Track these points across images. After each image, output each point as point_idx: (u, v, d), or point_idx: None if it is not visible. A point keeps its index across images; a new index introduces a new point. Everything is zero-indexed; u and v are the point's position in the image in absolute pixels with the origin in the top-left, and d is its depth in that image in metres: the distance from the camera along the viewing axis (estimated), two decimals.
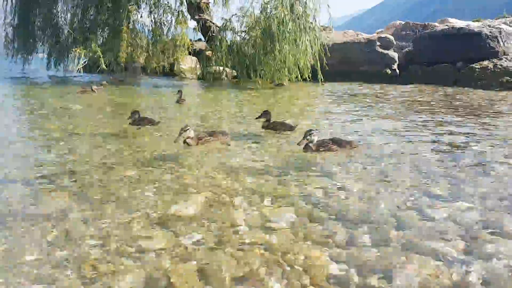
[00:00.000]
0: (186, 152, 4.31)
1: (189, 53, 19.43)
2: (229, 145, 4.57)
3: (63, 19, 19.69)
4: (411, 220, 2.75)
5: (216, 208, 2.91)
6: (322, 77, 13.77)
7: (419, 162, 4.14)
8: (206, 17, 18.35)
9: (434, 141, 5.13)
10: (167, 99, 10.26)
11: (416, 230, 2.60)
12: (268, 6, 13.60)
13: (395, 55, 16.09)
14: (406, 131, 5.80)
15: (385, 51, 16.00)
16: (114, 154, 4.36)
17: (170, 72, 20.12)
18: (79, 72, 15.54)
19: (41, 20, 19.32)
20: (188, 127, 4.22)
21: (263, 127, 5.85)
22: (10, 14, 19.82)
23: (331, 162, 4.11)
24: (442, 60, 14.03)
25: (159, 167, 3.84)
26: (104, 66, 15.18)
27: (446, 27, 14.87)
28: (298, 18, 13.33)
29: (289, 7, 13.09)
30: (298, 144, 4.34)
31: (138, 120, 6.10)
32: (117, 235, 2.44)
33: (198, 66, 21.07)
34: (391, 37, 16.49)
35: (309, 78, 13.89)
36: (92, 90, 10.61)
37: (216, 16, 19.20)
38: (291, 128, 5.74)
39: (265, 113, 5.93)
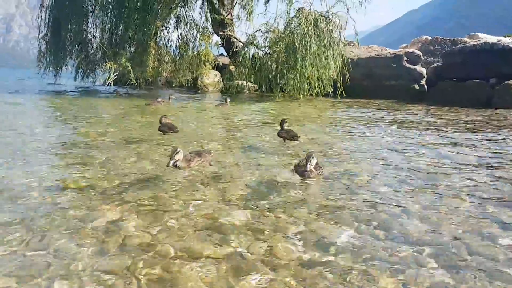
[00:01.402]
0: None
1: (212, 68, 19.65)
2: (212, 165, 4.34)
3: (92, 34, 20.40)
4: (479, 244, 2.52)
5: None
6: (343, 92, 13.52)
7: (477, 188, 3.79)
8: (230, 32, 18.55)
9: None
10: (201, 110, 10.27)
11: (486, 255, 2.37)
12: (292, 21, 13.57)
13: (423, 70, 15.59)
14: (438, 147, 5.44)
15: (413, 66, 15.53)
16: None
17: (193, 86, 20.39)
18: (110, 85, 15.90)
19: (72, 35, 20.04)
20: (179, 149, 3.97)
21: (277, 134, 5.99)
22: (44, 29, 20.73)
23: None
24: (474, 76, 13.44)
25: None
26: (134, 81, 15.51)
27: (478, 42, 14.30)
28: (321, 33, 13.18)
29: (313, 23, 12.98)
30: (304, 171, 3.96)
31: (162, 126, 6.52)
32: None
33: (220, 80, 21.28)
34: (419, 52, 16.02)
35: (331, 93, 13.66)
36: (158, 102, 11.56)
37: (240, 31, 19.45)
38: (293, 137, 5.73)
39: (281, 121, 6.02)
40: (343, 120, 8.73)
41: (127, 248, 2.38)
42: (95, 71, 20.69)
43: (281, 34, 14.33)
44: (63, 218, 2.82)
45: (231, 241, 2.53)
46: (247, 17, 14.52)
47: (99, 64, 20.31)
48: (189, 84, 20.14)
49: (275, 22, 14.38)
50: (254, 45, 15.02)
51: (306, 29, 12.73)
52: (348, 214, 3.00)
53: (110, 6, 18.92)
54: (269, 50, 14.73)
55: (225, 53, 21.15)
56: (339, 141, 6.16)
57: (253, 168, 4.35)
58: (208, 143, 5.83)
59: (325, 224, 2.79)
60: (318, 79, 13.30)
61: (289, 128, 5.98)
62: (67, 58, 20.77)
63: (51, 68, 20.96)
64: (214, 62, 19.61)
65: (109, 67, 15.67)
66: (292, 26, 13.54)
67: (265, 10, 14.34)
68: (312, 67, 12.87)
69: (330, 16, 13.65)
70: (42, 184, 3.63)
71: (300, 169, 3.97)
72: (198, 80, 20.31)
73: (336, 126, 7.78)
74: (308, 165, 3.88)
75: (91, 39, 20.32)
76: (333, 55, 13.35)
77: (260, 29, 15.12)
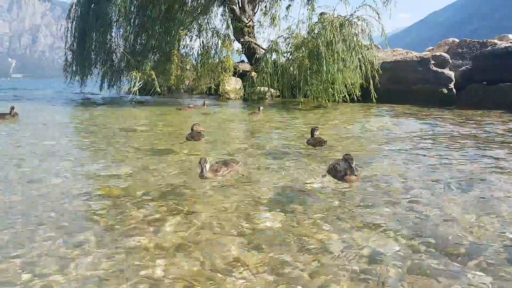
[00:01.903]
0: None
1: (233, 75, 19.67)
2: (242, 174, 4.22)
3: (116, 44, 20.74)
4: None
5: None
6: (375, 96, 13.27)
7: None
8: (251, 39, 18.54)
9: None
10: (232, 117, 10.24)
11: None
12: (316, 26, 13.40)
13: (451, 73, 15.13)
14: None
15: (440, 70, 15.09)
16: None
17: (214, 93, 20.43)
18: (135, 94, 16.11)
19: (96, 45, 20.41)
20: (206, 159, 4.02)
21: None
22: (70, 39, 21.22)
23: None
24: (506, 79, 12.97)
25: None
26: (158, 89, 15.68)
27: (510, 44, 13.78)
28: (347, 38, 12.96)
29: (338, 27, 12.78)
30: (354, 175, 3.84)
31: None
32: None
33: (241, 87, 21.29)
34: (447, 55, 15.57)
35: (357, 98, 13.40)
36: (189, 107, 12.03)
37: (261, 37, 19.45)
38: (320, 143, 5.73)
39: (312, 129, 6.02)
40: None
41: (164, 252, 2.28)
42: (120, 80, 21.03)
43: (304, 39, 14.18)
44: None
45: (271, 248, 2.43)
46: (270, 23, 14.38)
47: (123, 73, 20.67)
48: (211, 91, 20.22)
49: (297, 27, 14.26)
50: (276, 51, 14.90)
51: (331, 33, 12.55)
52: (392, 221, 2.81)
53: (133, 16, 19.23)
54: (291, 56, 14.59)
55: (246, 60, 21.17)
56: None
57: (284, 174, 4.24)
58: (238, 150, 5.73)
59: (368, 232, 2.62)
60: (343, 85, 13.06)
61: (319, 136, 5.85)
62: (92, 68, 21.17)
63: (77, 78, 21.38)
64: (235, 69, 19.65)
65: (134, 76, 15.88)
66: (316, 31, 13.36)
67: (287, 15, 14.23)
68: (338, 72, 12.64)
69: (355, 20, 13.43)
70: (74, 192, 3.60)
71: (339, 174, 3.82)
72: (220, 87, 20.36)
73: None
74: (354, 169, 3.74)
75: (115, 48, 20.67)
76: (359, 59, 13.11)
77: (282, 35, 15.03)
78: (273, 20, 14.15)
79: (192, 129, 6.86)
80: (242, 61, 22.24)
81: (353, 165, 3.73)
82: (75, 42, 21.17)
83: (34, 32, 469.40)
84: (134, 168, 4.72)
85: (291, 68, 14.40)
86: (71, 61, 21.62)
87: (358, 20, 13.54)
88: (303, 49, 13.67)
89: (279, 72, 14.28)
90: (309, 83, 13.34)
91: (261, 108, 11.52)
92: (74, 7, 21.00)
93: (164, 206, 3.33)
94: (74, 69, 21.45)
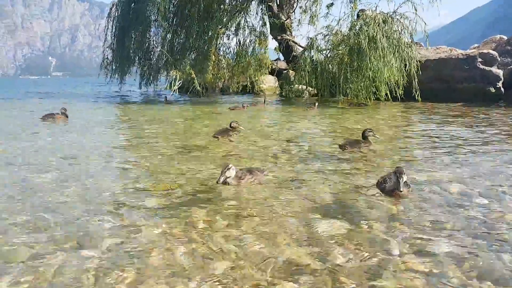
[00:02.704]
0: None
1: (270, 73, 19.63)
2: (260, 184, 3.95)
3: (154, 43, 21.11)
4: None
5: None
6: (419, 95, 12.87)
7: None
8: (288, 37, 18.40)
9: None
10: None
11: None
12: (358, 23, 13.11)
13: (499, 72, 14.40)
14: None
15: (488, 68, 14.39)
16: None
17: (250, 92, 20.42)
18: (175, 92, 16.35)
19: (135, 44, 20.87)
20: (230, 165, 3.83)
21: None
22: (110, 38, 21.80)
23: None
24: None
25: None
26: (198, 87, 15.83)
27: None
28: (390, 35, 12.60)
29: (381, 24, 12.45)
30: (397, 189, 3.38)
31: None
32: None
33: (277, 85, 21.19)
34: (495, 53, 14.83)
35: (400, 96, 13.01)
36: (242, 107, 12.16)
37: (300, 35, 19.26)
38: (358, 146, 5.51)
39: (364, 131, 5.73)
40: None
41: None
42: (157, 78, 21.43)
43: (344, 37, 13.90)
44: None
45: (329, 252, 2.39)
46: (309, 21, 14.14)
47: (161, 72, 21.05)
48: (247, 90, 20.24)
49: (338, 24, 14.00)
50: (315, 48, 14.68)
51: (373, 30, 12.23)
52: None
53: (172, 15, 19.51)
54: (330, 53, 14.34)
55: (282, 58, 21.06)
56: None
57: (333, 178, 4.11)
58: (278, 152, 5.66)
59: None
60: (385, 83, 12.71)
61: (372, 136, 5.63)
62: (131, 66, 21.66)
63: (116, 76, 21.94)
64: (271, 67, 19.57)
65: (174, 75, 16.11)
66: (357, 28, 13.07)
67: (327, 13, 13.99)
68: (380, 70, 12.31)
69: (398, 17, 13.04)
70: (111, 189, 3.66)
71: (388, 187, 3.43)
72: (255, 86, 20.36)
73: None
74: (401, 184, 3.29)
75: (153, 47, 21.05)
76: (402, 57, 12.72)
77: (321, 32, 14.79)
78: (313, 18, 13.91)
79: (230, 125, 6.85)
80: (278, 59, 22.14)
81: (401, 180, 3.32)
82: (115, 41, 21.72)
83: (73, 32, 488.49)
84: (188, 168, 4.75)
85: (330, 66, 14.15)
86: (110, 59, 22.21)
87: (401, 17, 13.15)
88: (343, 46, 13.41)
89: (319, 70, 14.08)
90: (349, 81, 13.08)
91: (317, 104, 11.85)
92: (115, 7, 21.56)
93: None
94: (114, 67, 22.04)
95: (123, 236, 2.67)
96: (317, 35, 14.74)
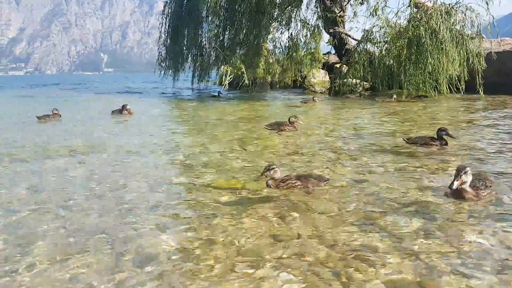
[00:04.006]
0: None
1: (322, 67, 19.43)
2: (308, 193, 3.68)
3: (206, 39, 21.53)
4: None
5: None
6: (481, 89, 12.30)
7: None
8: (341, 30, 18.10)
9: None
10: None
11: None
12: (418, 15, 12.67)
13: None
14: None
15: None
16: None
17: (299, 86, 20.28)
18: (225, 87, 16.68)
19: (188, 40, 21.45)
20: (274, 167, 3.73)
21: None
22: (164, 35, 22.52)
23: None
24: None
25: None
26: (247, 81, 16.03)
27: None
28: (453, 27, 12.07)
29: (444, 15, 11.95)
30: (450, 187, 3.19)
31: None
32: None
33: (327, 79, 20.92)
34: None
35: (462, 90, 12.50)
36: (313, 100, 12.58)
37: (355, 27, 18.89)
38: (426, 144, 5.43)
39: (439, 130, 5.53)
40: None
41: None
42: (208, 74, 21.90)
43: (402, 29, 13.48)
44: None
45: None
46: (371, 13, 13.78)
47: (212, 67, 21.49)
48: (296, 84, 20.15)
49: (396, 15, 13.60)
50: (371, 41, 14.35)
51: (435, 22, 11.77)
52: None
53: (223, 11, 19.80)
54: (387, 46, 13.96)
55: (332, 51, 20.76)
56: None
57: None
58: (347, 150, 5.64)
59: None
60: (446, 76, 12.23)
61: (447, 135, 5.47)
62: (184, 62, 22.29)
63: (170, 72, 22.69)
64: (323, 60, 19.36)
65: (226, 70, 16.44)
66: (417, 20, 12.63)
67: (385, 5, 13.59)
68: (441, 63, 11.85)
69: (462, 9, 12.46)
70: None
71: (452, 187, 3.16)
72: (305, 80, 20.24)
73: None
74: (455, 181, 3.09)
75: (205, 43, 21.51)
76: (465, 49, 12.16)
77: (377, 24, 14.39)
78: (376, 10, 13.53)
79: (289, 120, 7.00)
80: (329, 53, 21.84)
81: (459, 177, 3.07)
82: (168, 38, 22.42)
83: (124, 29, 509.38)
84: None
85: (387, 59, 13.80)
86: (164, 56, 22.99)
87: (466, 8, 12.55)
88: (402, 38, 13.02)
89: (376, 63, 13.77)
90: (407, 74, 12.72)
91: (395, 96, 12.40)
92: (168, 4, 22.21)
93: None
94: (167, 63, 22.81)
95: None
96: (373, 27, 14.38)
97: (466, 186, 3.19)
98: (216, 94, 17.11)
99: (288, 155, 5.30)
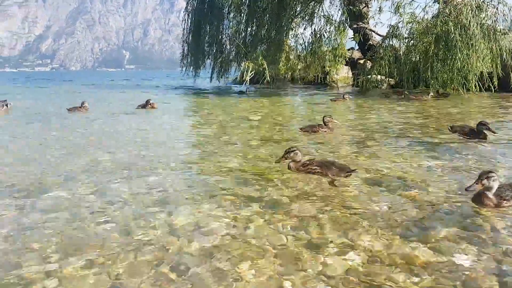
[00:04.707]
0: None
1: (345, 63, 19.14)
2: (336, 185, 3.58)
3: (226, 35, 21.50)
4: None
5: None
6: None
7: None
8: (365, 25, 17.77)
9: None
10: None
11: None
12: (447, 10, 12.28)
13: None
14: None
15: None
16: None
17: (321, 82, 19.97)
18: (245, 83, 16.59)
19: (209, 37, 21.49)
20: (295, 149, 3.78)
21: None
22: (186, 32, 22.62)
23: None
24: None
25: None
26: (268, 78, 15.93)
27: None
28: (484, 22, 11.66)
29: (475, 9, 11.54)
30: (467, 189, 3.00)
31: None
32: None
33: (350, 75, 20.60)
34: None
35: (494, 88, 12.06)
36: (344, 98, 12.15)
37: (380, 23, 18.51)
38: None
39: (479, 124, 5.45)
40: None
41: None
42: (228, 71, 21.91)
43: (429, 24, 13.09)
44: None
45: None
46: (394, 9, 13.47)
47: (232, 64, 21.49)
48: (319, 81, 19.90)
49: (423, 11, 13.23)
50: (396, 36, 14.01)
51: (465, 17, 11.38)
52: None
53: (245, 7, 19.73)
54: (414, 42, 13.60)
55: (356, 47, 20.42)
56: None
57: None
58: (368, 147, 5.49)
59: None
60: (475, 73, 11.82)
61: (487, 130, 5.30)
62: (205, 59, 22.36)
63: (191, 69, 22.83)
64: (346, 56, 19.04)
65: (247, 66, 16.37)
66: (446, 15, 12.24)
67: (412, 0, 13.24)
68: (471, 60, 11.46)
69: (494, 2, 12.02)
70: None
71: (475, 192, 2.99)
72: (328, 76, 19.96)
73: None
74: (474, 184, 2.93)
75: (226, 40, 21.49)
76: (497, 46, 11.74)
77: (402, 20, 14.05)
78: (398, 8, 13.23)
79: (323, 121, 6.81)
80: (352, 48, 21.51)
81: (479, 181, 2.91)
82: (190, 35, 22.50)
83: (145, 26, 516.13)
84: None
85: (413, 55, 13.45)
86: (186, 52, 23.11)
87: (498, 3, 12.11)
88: (429, 34, 12.65)
89: (402, 59, 13.44)
90: (434, 71, 12.35)
91: (431, 94, 12.14)
92: (191, 1, 22.28)
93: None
94: (189, 60, 22.94)
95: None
96: (398, 22, 14.05)
97: (490, 193, 2.98)
98: (244, 90, 17.10)
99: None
